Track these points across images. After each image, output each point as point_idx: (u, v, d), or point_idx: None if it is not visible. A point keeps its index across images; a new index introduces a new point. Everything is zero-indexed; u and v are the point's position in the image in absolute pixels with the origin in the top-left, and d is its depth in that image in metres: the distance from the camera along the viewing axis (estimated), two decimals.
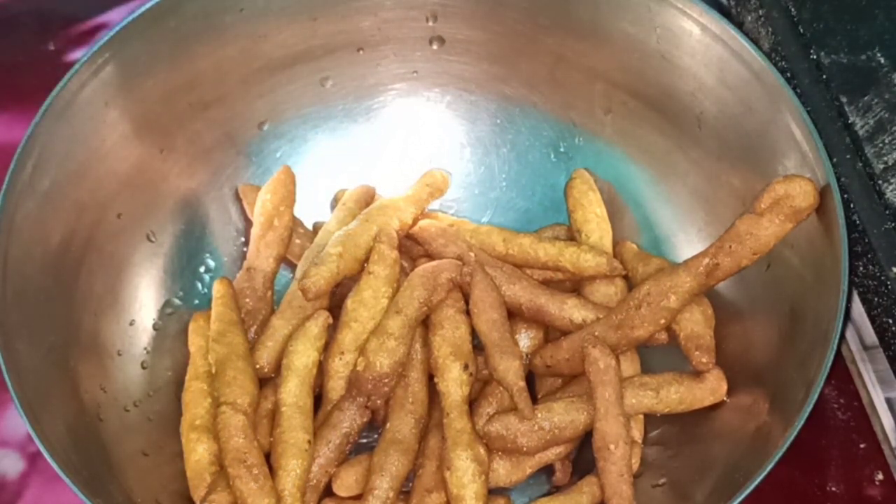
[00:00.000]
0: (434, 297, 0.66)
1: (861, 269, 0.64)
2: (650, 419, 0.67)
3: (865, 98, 0.67)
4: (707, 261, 0.63)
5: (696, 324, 0.66)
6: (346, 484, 0.65)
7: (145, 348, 0.70)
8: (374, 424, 0.67)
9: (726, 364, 0.66)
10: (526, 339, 0.69)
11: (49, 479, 0.72)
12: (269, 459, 0.64)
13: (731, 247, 0.63)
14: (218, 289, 0.70)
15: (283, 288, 0.72)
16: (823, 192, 0.62)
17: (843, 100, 0.67)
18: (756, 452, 0.60)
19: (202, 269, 0.74)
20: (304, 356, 0.66)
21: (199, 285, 0.74)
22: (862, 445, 0.72)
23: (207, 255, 0.74)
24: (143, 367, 0.70)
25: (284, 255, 0.72)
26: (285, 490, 0.62)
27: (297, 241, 0.73)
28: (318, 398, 0.67)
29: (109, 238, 0.69)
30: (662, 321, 0.64)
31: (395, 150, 0.76)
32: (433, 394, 0.67)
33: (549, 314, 0.68)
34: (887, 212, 0.64)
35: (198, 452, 0.65)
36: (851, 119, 0.67)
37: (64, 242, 0.66)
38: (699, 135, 0.70)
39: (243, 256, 0.73)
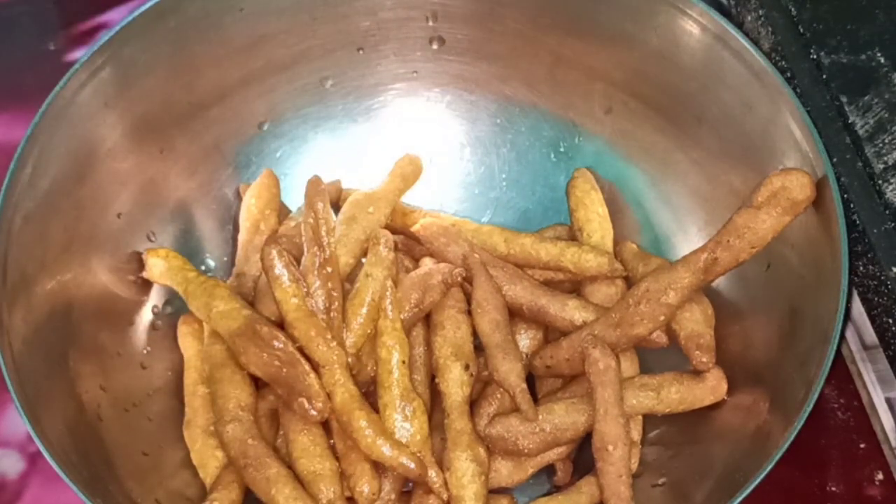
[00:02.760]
0: (427, 298, 0.67)
1: (861, 269, 0.64)
2: (650, 419, 0.67)
3: (865, 98, 0.67)
4: (705, 256, 0.63)
5: (697, 323, 0.66)
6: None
7: (145, 348, 0.70)
8: None
9: (726, 364, 0.66)
10: (526, 339, 0.69)
11: (49, 479, 0.72)
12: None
13: (728, 241, 0.62)
14: None
15: None
16: (822, 192, 0.62)
17: (843, 100, 0.67)
18: (756, 452, 0.60)
19: (202, 269, 0.74)
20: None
21: None
22: (862, 445, 0.72)
23: (207, 255, 0.74)
24: (143, 368, 0.70)
25: None
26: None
27: None
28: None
29: (109, 238, 0.69)
30: (662, 318, 0.64)
31: (396, 150, 0.76)
32: (435, 394, 0.67)
33: (550, 315, 0.68)
34: (887, 212, 0.64)
35: (201, 443, 0.66)
36: (851, 119, 0.67)
37: (64, 242, 0.66)
38: (699, 135, 0.70)
39: None
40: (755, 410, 0.63)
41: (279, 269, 0.64)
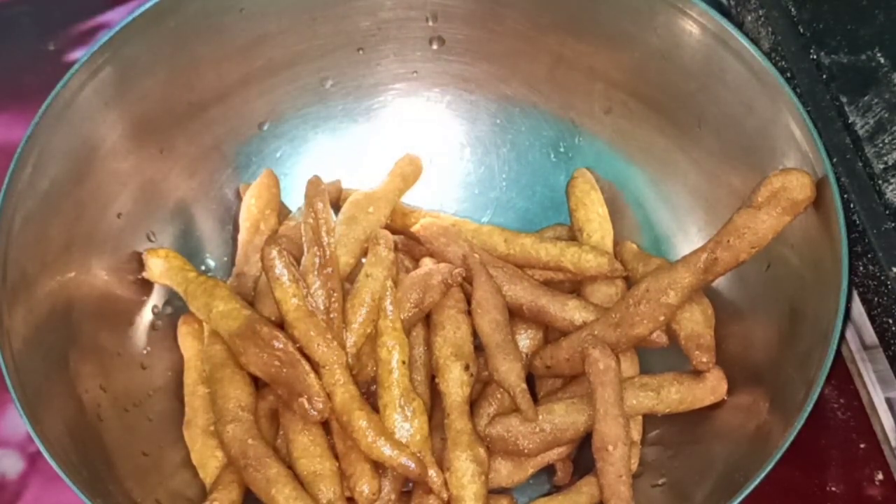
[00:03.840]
0: (427, 298, 0.67)
1: (861, 269, 0.64)
2: (650, 419, 0.67)
3: (865, 98, 0.67)
4: (705, 256, 0.63)
5: (697, 323, 0.66)
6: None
7: (145, 348, 0.70)
8: None
9: (726, 364, 0.66)
10: (526, 339, 0.69)
11: (49, 479, 0.72)
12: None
13: (728, 241, 0.62)
14: None
15: None
16: (823, 192, 0.62)
17: (843, 100, 0.67)
18: (756, 452, 0.60)
19: (202, 269, 0.74)
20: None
21: None
22: (862, 445, 0.72)
23: (207, 255, 0.74)
24: (143, 368, 0.70)
25: None
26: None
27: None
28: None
29: (109, 238, 0.69)
30: (662, 318, 0.64)
31: (396, 150, 0.76)
32: (435, 394, 0.67)
33: (550, 315, 0.68)
34: (887, 212, 0.64)
35: (201, 444, 0.65)
36: (851, 119, 0.67)
37: (64, 242, 0.66)
38: (699, 135, 0.70)
39: None
40: (755, 410, 0.63)
41: (279, 269, 0.64)
